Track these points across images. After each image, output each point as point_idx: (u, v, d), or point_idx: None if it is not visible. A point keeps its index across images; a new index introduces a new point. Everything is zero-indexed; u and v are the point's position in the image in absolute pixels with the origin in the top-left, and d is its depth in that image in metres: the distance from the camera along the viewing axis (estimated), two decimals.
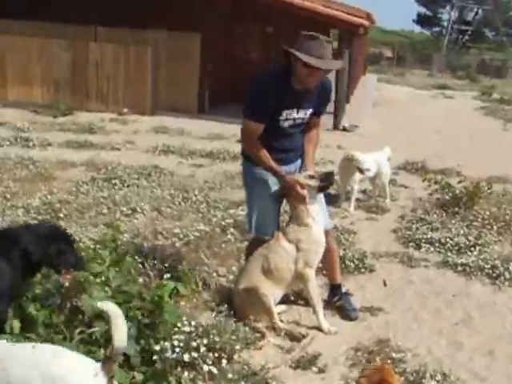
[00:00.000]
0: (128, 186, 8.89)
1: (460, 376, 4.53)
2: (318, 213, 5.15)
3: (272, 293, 5.05)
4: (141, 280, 5.24)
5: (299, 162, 5.29)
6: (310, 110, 5.04)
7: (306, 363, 4.59)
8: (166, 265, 5.60)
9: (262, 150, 4.93)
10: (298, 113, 4.97)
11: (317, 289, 5.19)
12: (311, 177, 5.08)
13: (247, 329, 4.87)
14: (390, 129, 15.60)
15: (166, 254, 6.20)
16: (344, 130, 14.48)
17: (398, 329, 5.21)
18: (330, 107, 13.83)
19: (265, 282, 5.03)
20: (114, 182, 8.97)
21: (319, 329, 5.09)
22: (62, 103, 15.76)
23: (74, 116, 15.42)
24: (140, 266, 5.53)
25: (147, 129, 13.93)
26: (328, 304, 5.51)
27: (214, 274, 5.93)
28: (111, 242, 6.02)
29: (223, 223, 7.23)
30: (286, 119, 4.95)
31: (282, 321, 5.16)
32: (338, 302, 5.48)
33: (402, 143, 13.51)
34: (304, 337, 4.95)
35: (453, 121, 18.57)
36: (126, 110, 15.89)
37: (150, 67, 16.26)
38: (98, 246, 5.45)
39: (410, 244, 7.20)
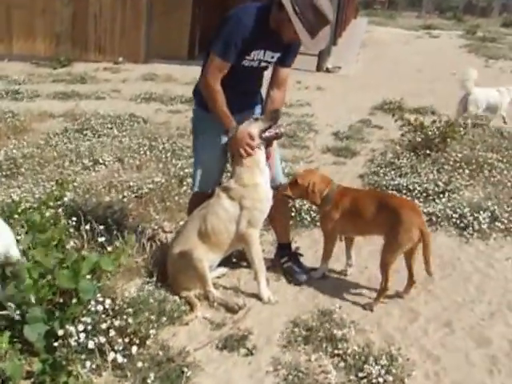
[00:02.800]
0: (99, 137, 7.74)
1: (410, 356, 3.44)
2: (264, 165, 3.99)
3: (208, 258, 3.95)
4: (71, 244, 4.20)
5: (257, 110, 4.15)
6: (278, 54, 3.89)
7: (234, 343, 3.53)
8: (102, 227, 4.46)
9: (221, 93, 3.79)
10: (264, 54, 3.83)
11: (260, 252, 4.06)
12: (255, 119, 3.91)
13: (178, 299, 3.84)
14: (372, 69, 14.19)
15: (111, 211, 5.14)
16: (327, 71, 13.08)
17: (346, 295, 4.11)
18: None
19: (200, 246, 3.92)
20: (85, 132, 7.82)
21: (259, 297, 4.01)
22: (62, 55, 14.71)
23: (71, 67, 14.18)
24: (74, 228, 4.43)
25: (137, 77, 12.66)
26: (274, 265, 4.43)
27: (160, 231, 4.86)
28: (55, 200, 4.99)
29: (182, 173, 6.11)
30: (252, 59, 3.82)
31: (219, 287, 4.11)
32: (285, 264, 4.38)
33: (382, 83, 12.18)
34: (240, 308, 3.87)
35: (436, 59, 16.96)
36: (121, 59, 14.67)
37: (144, 17, 14.97)
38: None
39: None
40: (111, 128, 8.14)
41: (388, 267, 3.85)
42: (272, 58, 3.88)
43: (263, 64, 3.90)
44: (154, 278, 4.03)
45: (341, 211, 4.05)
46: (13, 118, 8.58)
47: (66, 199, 4.99)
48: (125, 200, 5.48)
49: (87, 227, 4.39)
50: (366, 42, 19.23)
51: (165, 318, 3.58)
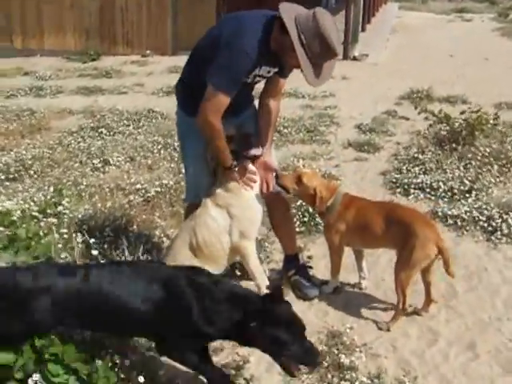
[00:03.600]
0: (113, 135, 7.37)
1: None
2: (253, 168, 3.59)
3: None
4: (63, 256, 3.85)
5: (247, 113, 3.66)
6: (276, 69, 3.42)
7: (231, 371, 3.11)
8: (93, 240, 4.07)
9: (221, 130, 3.31)
10: (260, 70, 3.33)
11: (259, 266, 3.65)
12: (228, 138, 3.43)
13: None
14: (401, 56, 13.47)
15: (114, 217, 4.77)
16: (354, 59, 12.45)
17: (359, 312, 3.65)
18: (341, 36, 11.94)
19: (193, 263, 3.50)
20: (100, 130, 7.46)
21: None
22: (91, 49, 14.48)
23: (100, 61, 13.91)
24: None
25: (162, 70, 12.26)
26: (282, 277, 4.00)
27: (164, 239, 4.46)
28: (53, 207, 4.67)
29: None
30: (249, 77, 3.33)
31: None
32: (293, 277, 3.94)
33: (411, 70, 11.52)
34: None
35: (468, 44, 16.06)
36: (148, 52, 14.33)
37: (170, 9, 14.63)
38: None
39: (398, 190, 5.52)
40: (128, 125, 7.78)
41: (404, 287, 3.37)
42: (268, 72, 3.40)
43: (258, 79, 3.44)
44: None
45: (347, 222, 3.59)
46: (31, 115, 8.31)
47: (61, 207, 4.64)
48: (131, 204, 5.11)
49: (79, 239, 4.03)
50: (396, 28, 18.41)
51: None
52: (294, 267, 3.95)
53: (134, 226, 4.69)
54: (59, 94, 10.14)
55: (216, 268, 3.60)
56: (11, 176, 5.91)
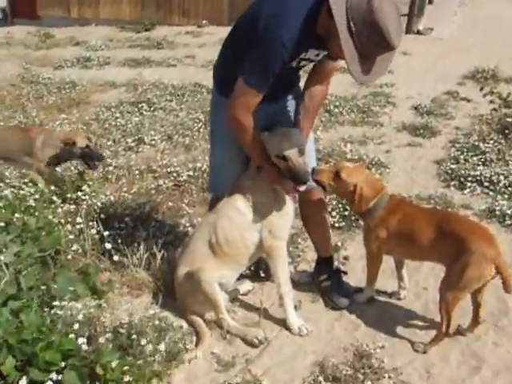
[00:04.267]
0: (154, 111, 7.10)
1: None
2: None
3: (221, 275, 3.21)
4: (74, 248, 3.59)
5: (289, 97, 3.21)
6: (325, 52, 2.89)
7: None
8: (107, 233, 3.77)
9: (252, 127, 2.91)
10: (307, 53, 2.86)
11: (287, 271, 3.26)
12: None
13: (183, 326, 3.12)
14: (469, 30, 12.57)
15: (138, 204, 4.47)
16: (418, 33, 11.70)
17: (393, 327, 3.23)
18: (405, 9, 11.23)
19: (211, 262, 3.18)
20: (141, 105, 7.21)
21: (287, 326, 3.21)
22: (146, 19, 14.27)
23: (154, 31, 13.72)
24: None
25: (215, 41, 11.84)
26: (311, 282, 3.61)
27: (190, 229, 4.13)
28: (75, 191, 4.42)
29: None
30: (292, 62, 2.88)
31: (240, 309, 3.38)
32: (323, 282, 3.54)
33: (479, 47, 10.71)
34: (261, 342, 3.09)
35: None
36: (204, 22, 14.00)
37: None
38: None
39: (453, 183, 5.00)
40: (170, 100, 7.49)
41: (450, 308, 2.91)
42: (317, 56, 2.91)
43: (304, 63, 2.95)
44: (161, 298, 3.35)
45: (389, 229, 3.14)
46: (72, 88, 8.12)
47: (81, 192, 4.37)
48: (159, 189, 4.80)
49: (93, 231, 3.75)
50: (466, 1, 17.35)
51: (158, 357, 2.85)
52: (327, 272, 3.55)
53: (158, 215, 4.38)
54: (106, 66, 9.99)
55: (236, 267, 3.29)
56: None
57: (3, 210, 3.79)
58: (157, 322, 3.00)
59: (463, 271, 2.81)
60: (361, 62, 2.59)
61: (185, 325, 3.18)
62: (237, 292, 3.49)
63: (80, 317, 2.85)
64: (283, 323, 3.22)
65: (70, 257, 3.57)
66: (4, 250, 3.39)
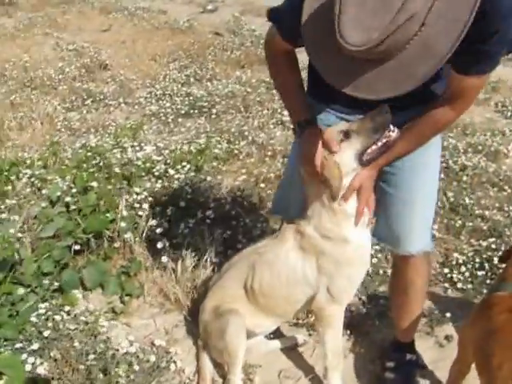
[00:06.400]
0: None
1: None
2: (365, 209, 2.21)
3: (256, 324, 2.54)
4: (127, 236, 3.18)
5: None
6: None
7: None
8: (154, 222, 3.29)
9: (289, 75, 2.18)
10: None
11: (339, 343, 2.44)
12: (346, 135, 2.11)
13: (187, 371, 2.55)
14: None
15: (240, 193, 3.89)
16: None
17: None
18: None
19: (245, 307, 2.50)
20: None
21: None
22: None
23: None
24: None
25: None
26: (375, 364, 2.76)
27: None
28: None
29: None
30: None
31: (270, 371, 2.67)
32: (387, 372, 2.66)
33: None
34: None
35: None
36: None
37: None
38: None
39: None
40: None
41: None
42: None
43: None
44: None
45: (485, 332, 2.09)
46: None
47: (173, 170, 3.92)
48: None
49: (153, 222, 3.28)
50: None
51: None
52: (396, 359, 2.65)
53: (253, 215, 3.74)
54: None
55: (273, 321, 2.59)
56: (193, 111, 5.40)
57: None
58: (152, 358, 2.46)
59: None
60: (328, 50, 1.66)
61: (187, 369, 2.58)
62: (288, 341, 2.83)
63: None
64: None
65: (116, 244, 3.16)
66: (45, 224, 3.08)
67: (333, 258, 2.27)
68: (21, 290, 2.62)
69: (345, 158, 2.10)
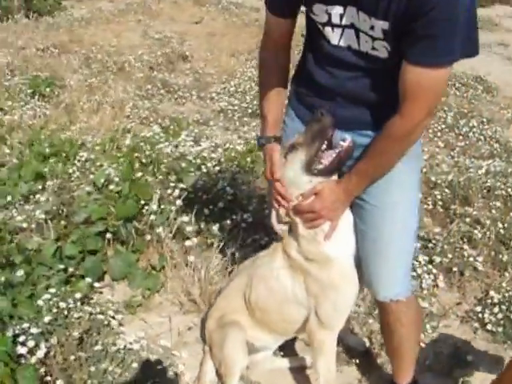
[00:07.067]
0: None
1: None
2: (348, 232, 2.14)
3: (255, 337, 2.46)
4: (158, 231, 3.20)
5: (367, 132, 1.99)
6: (383, 22, 1.71)
7: None
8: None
9: (271, 68, 2.13)
10: (358, 19, 1.76)
11: (333, 370, 2.31)
12: (291, 148, 2.06)
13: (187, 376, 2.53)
14: None
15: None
16: None
17: None
18: None
19: (245, 319, 2.44)
20: None
21: None
22: None
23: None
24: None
25: None
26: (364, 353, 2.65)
27: None
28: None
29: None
30: (332, 25, 1.84)
31: None
32: None
33: None
34: None
35: None
36: None
37: None
38: None
39: None
40: None
41: None
42: (371, 28, 1.74)
43: (365, 39, 1.80)
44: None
45: None
46: None
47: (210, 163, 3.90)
48: None
49: (185, 218, 3.27)
50: None
51: None
52: None
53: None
54: None
55: (273, 338, 2.51)
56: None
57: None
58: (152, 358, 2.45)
59: None
60: None
61: (188, 374, 2.55)
62: (296, 361, 2.74)
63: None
64: None
65: (147, 238, 3.18)
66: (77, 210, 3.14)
67: (317, 280, 2.16)
68: (39, 271, 2.67)
69: (290, 170, 2.06)
